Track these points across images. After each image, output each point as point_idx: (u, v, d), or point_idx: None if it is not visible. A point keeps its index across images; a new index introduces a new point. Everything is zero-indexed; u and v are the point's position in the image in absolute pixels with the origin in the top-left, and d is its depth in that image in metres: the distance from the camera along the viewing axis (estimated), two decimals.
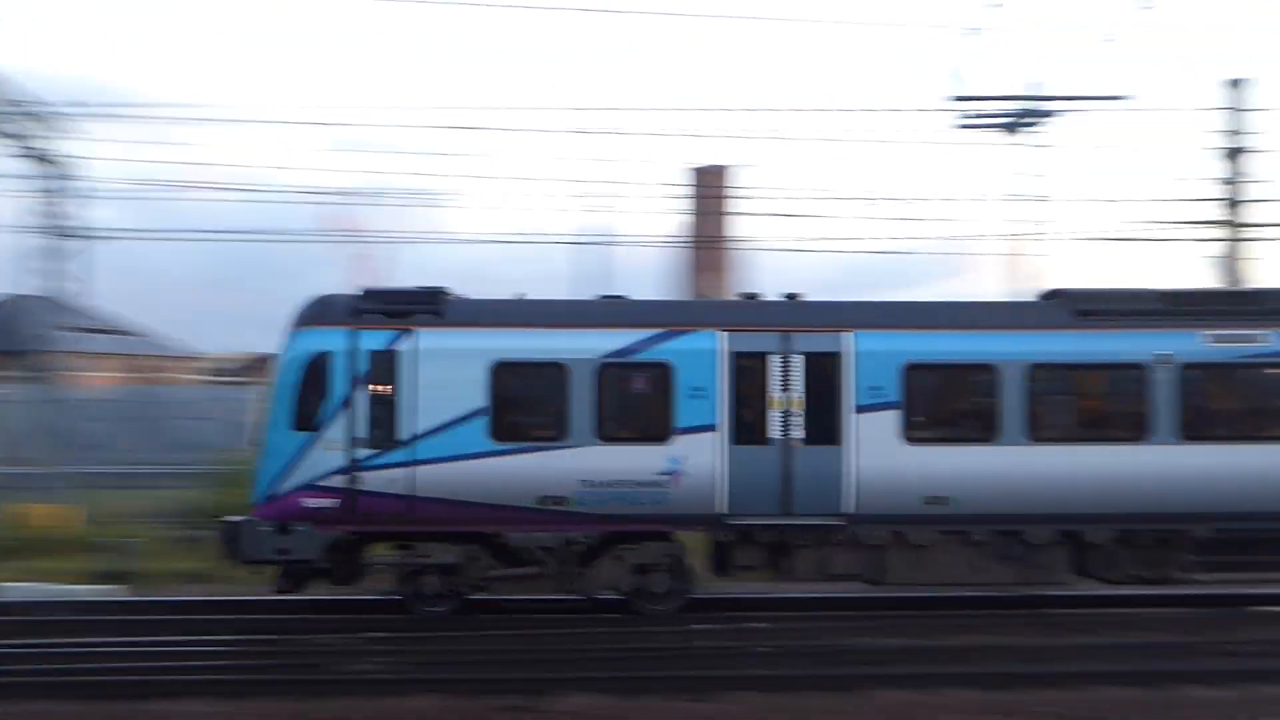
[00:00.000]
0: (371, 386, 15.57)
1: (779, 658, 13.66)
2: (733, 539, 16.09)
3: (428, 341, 15.70)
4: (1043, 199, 24.78)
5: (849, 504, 15.83)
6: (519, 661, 13.45)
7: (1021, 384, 16.02)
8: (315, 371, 15.55)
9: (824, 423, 15.89)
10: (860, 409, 15.87)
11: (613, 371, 15.92)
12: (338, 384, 15.53)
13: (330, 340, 15.62)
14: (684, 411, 15.77)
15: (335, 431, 15.47)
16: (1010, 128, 21.99)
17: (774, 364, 15.94)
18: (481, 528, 15.85)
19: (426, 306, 16.05)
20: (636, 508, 15.66)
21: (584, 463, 15.63)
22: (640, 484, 15.62)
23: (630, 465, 15.66)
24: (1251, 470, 16.06)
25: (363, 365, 15.55)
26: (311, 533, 15.38)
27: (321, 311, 15.98)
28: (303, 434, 15.51)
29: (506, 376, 15.78)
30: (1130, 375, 16.29)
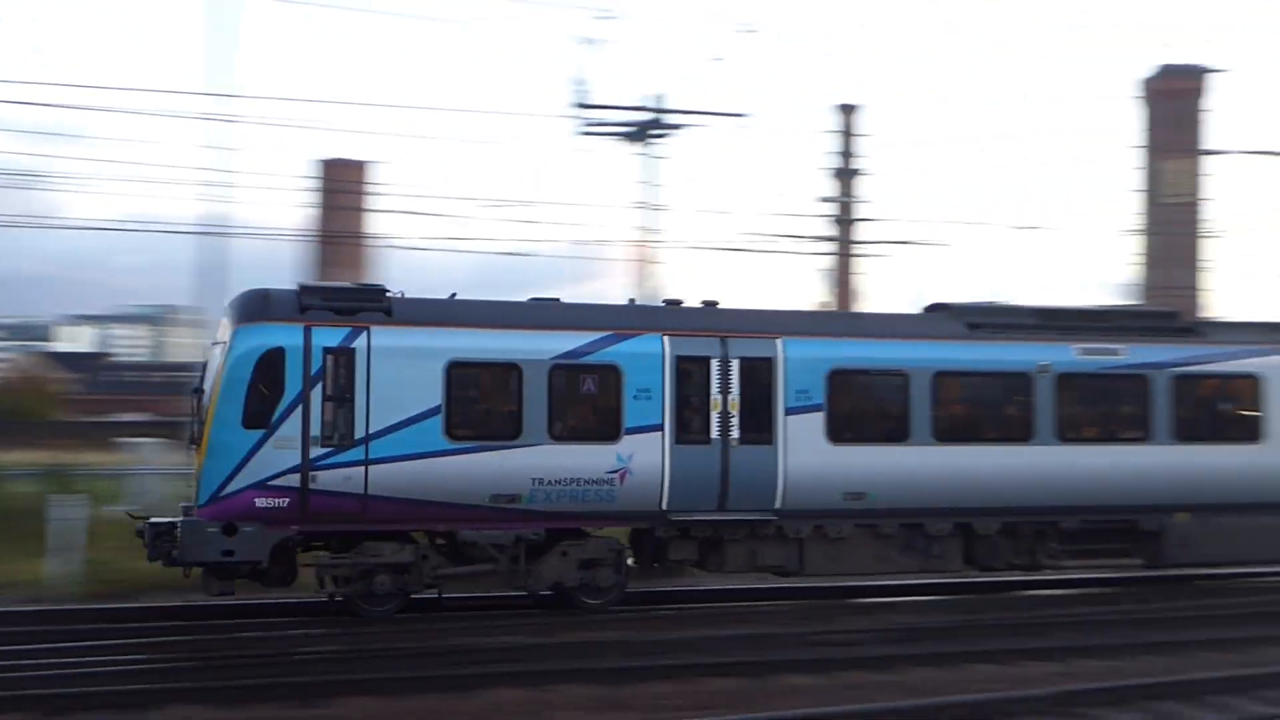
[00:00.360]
0: (324, 384, 15.35)
1: (395, 660, 13.60)
2: (672, 534, 16.82)
3: (381, 339, 15.58)
4: (664, 208, 25.88)
5: (779, 500, 16.90)
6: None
7: (928, 389, 17.56)
8: (267, 368, 15.17)
9: (758, 423, 16.87)
10: (790, 411, 16.96)
11: (563, 372, 16.31)
12: (291, 381, 15.21)
13: (283, 336, 15.29)
14: (631, 412, 16.36)
15: (288, 429, 15.18)
16: (632, 137, 22.62)
17: (714, 367, 16.80)
18: (434, 526, 16.00)
19: (375, 304, 15.97)
20: (585, 505, 16.20)
21: (536, 461, 15.97)
22: (590, 482, 16.13)
23: (580, 464, 16.13)
24: (1113, 468, 18.29)
25: (316, 362, 15.31)
26: (260, 533, 15.02)
27: (268, 306, 15.60)
28: (254, 432, 15.13)
29: (460, 375, 15.93)
30: (1016, 383, 18.14)
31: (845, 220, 61.55)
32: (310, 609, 16.52)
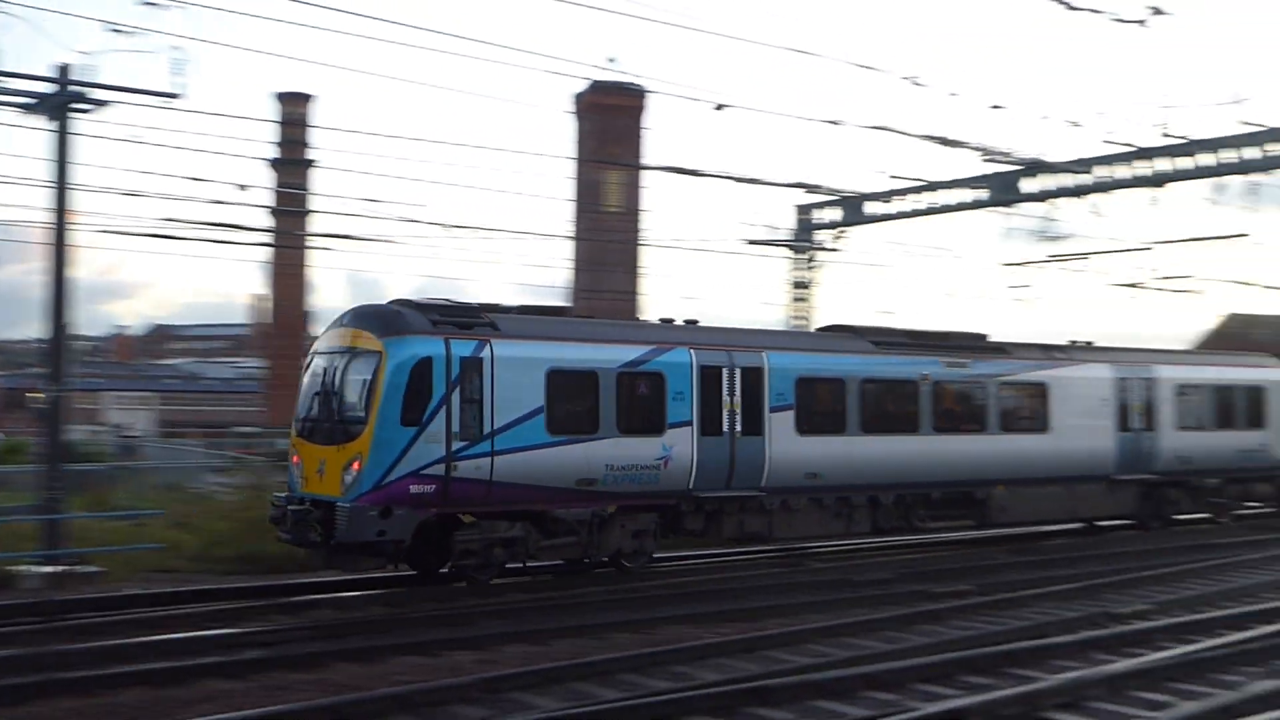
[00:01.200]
0: (461, 388, 18.31)
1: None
2: (690, 509, 20.98)
3: (500, 350, 18.81)
4: (81, 188, 24.00)
5: (764, 479, 21.66)
6: None
7: (857, 392, 23.17)
8: (420, 375, 17.98)
9: (752, 419, 21.52)
10: (772, 409, 21.77)
11: (626, 378, 20.21)
12: (437, 386, 18.10)
13: (430, 348, 18.20)
14: (671, 410, 20.51)
15: (435, 426, 18.00)
16: (37, 110, 20.59)
17: (724, 375, 21.29)
18: (536, 506, 19.20)
19: (486, 321, 19.30)
20: (640, 486, 20.17)
21: (609, 451, 19.73)
22: (644, 467, 20.08)
23: (638, 453, 20.08)
24: (963, 452, 24.69)
25: (455, 370, 18.29)
26: (409, 516, 17.80)
27: (411, 322, 18.52)
28: (410, 429, 17.83)
29: (556, 380, 19.35)
30: (909, 387, 24.08)
31: (287, 211, 60.24)
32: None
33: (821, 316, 34.73)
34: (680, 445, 20.57)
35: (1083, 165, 31.70)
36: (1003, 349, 26.34)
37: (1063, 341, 28.42)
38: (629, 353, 20.42)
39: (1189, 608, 18.26)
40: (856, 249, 38.01)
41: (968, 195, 33.81)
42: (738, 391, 21.46)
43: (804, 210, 37.22)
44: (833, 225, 37.05)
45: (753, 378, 21.68)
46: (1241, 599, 19.26)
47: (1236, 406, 30.16)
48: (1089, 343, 29.00)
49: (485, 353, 18.70)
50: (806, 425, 22.32)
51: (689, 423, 20.74)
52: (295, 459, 19.13)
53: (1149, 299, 36.78)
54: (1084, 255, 34.68)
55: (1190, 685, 13.30)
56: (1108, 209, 32.12)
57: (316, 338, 21.25)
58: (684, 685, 12.77)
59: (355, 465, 17.78)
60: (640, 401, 20.44)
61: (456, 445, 18.19)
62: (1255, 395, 30.54)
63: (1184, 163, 30.94)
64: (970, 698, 12.12)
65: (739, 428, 21.39)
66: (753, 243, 35.63)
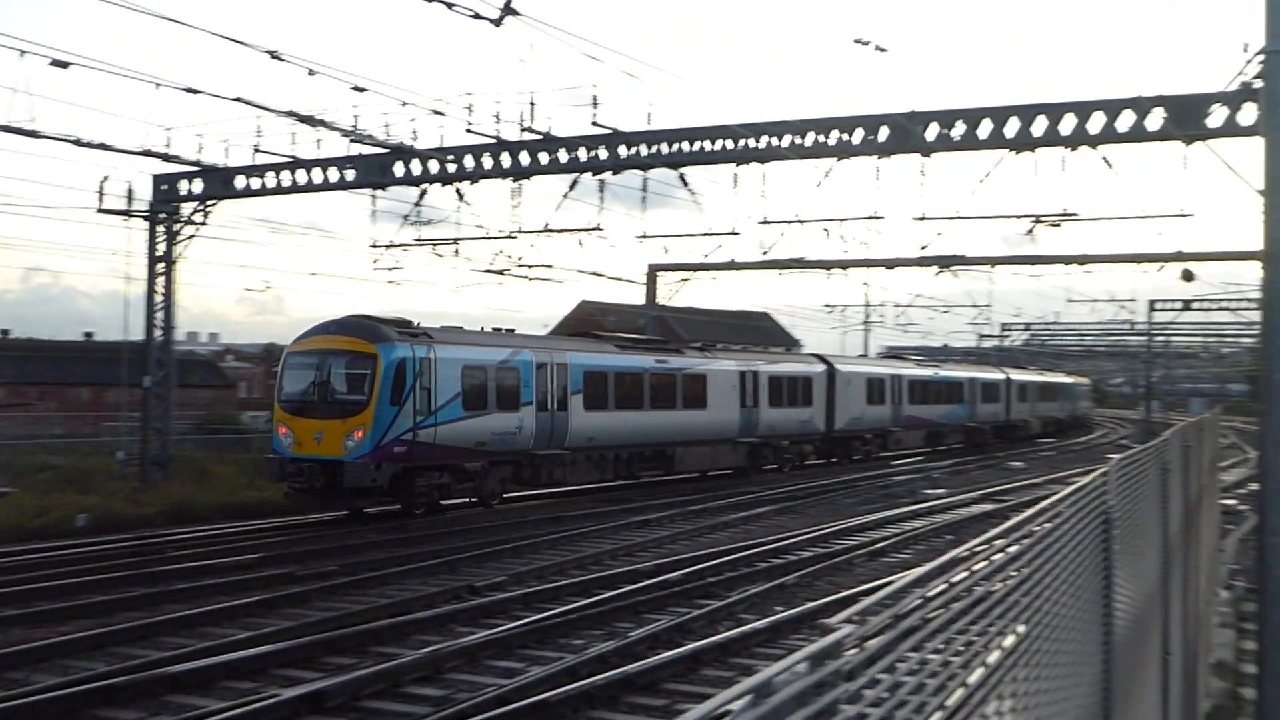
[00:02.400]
0: (420, 379, 26.52)
1: None
2: (528, 463, 30.00)
3: (439, 353, 27.28)
4: None
5: (568, 442, 31.19)
6: None
7: (612, 379, 33.27)
8: (401, 370, 26.10)
9: (562, 400, 31.00)
10: (572, 393, 31.36)
11: (500, 370, 29.22)
12: (409, 377, 26.27)
13: (405, 351, 26.41)
14: (523, 394, 29.62)
15: (408, 406, 26.17)
16: None
17: (549, 370, 30.61)
18: (455, 461, 27.77)
19: (423, 331, 27.67)
20: (507, 447, 29.10)
21: (493, 421, 28.66)
22: (509, 433, 29.13)
23: (506, 424, 29.04)
24: (664, 422, 35.18)
25: (417, 367, 26.52)
26: (390, 468, 25.85)
27: (389, 333, 26.55)
28: (395, 408, 25.92)
29: (469, 373, 28.17)
30: (639, 376, 34.51)
31: None
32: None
33: (188, 292, 33.72)
34: (527, 418, 29.88)
35: (449, 153, 32.93)
36: (679, 350, 38.06)
37: (711, 343, 41.37)
38: (502, 354, 29.55)
39: (541, 578, 19.68)
40: (225, 224, 36.90)
41: (336, 175, 33.91)
42: (554, 381, 30.92)
43: (164, 180, 35.44)
44: (195, 198, 35.62)
45: (562, 372, 31.33)
46: (588, 566, 21.07)
47: (798, 391, 43.38)
48: (716, 343, 41.25)
49: (430, 354, 27.10)
50: (589, 404, 32.14)
51: (531, 403, 30.00)
52: (283, 430, 26.54)
53: (514, 285, 39.15)
54: (453, 241, 36.07)
55: (541, 651, 14.35)
56: (475, 197, 33.63)
57: (291, 343, 28.17)
58: (16, 693, 11.79)
59: (359, 434, 25.62)
60: (507, 387, 29.37)
61: (418, 420, 26.45)
62: (807, 383, 44.25)
63: (544, 157, 33.13)
64: (332, 679, 12.24)
65: (555, 406, 30.84)
66: (103, 211, 33.40)
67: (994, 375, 67.17)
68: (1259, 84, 6.46)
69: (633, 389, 34.02)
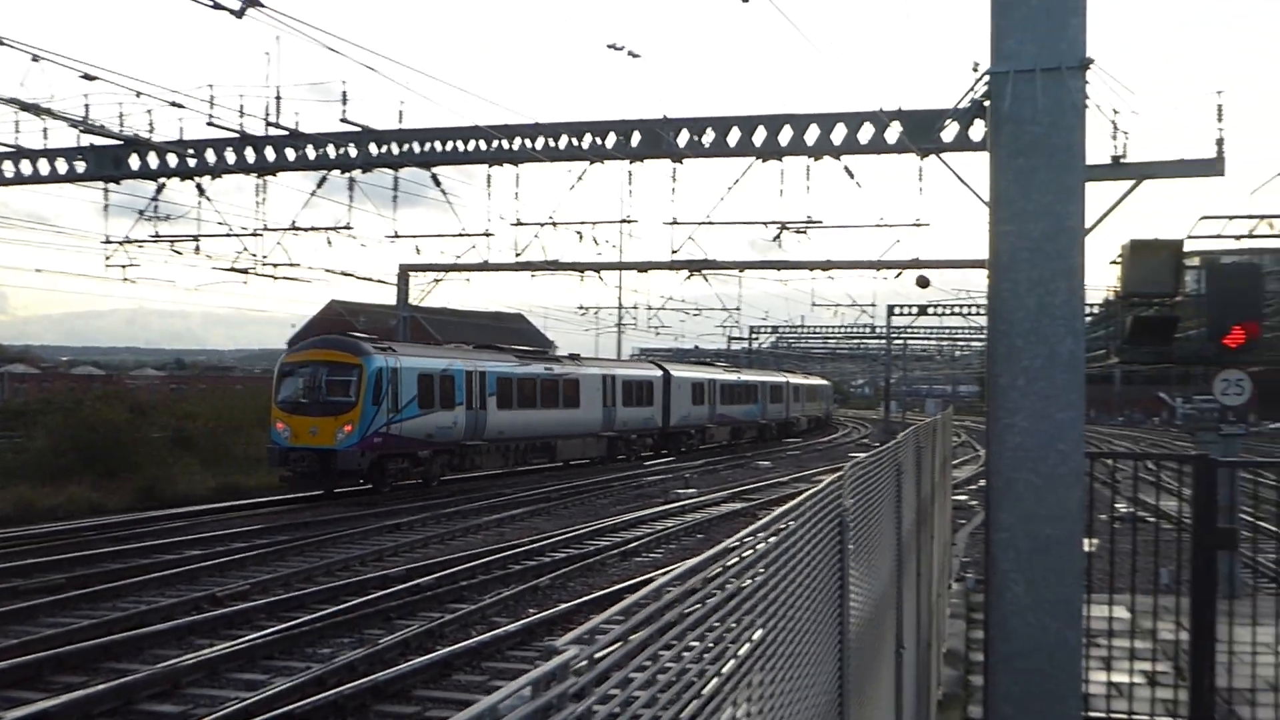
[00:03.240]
0: (390, 383, 32.82)
1: None
2: (459, 451, 37.01)
3: (402, 363, 33.66)
4: None
5: (485, 434, 38.30)
6: None
7: (516, 384, 40.67)
8: (379, 375, 32.41)
9: (482, 401, 37.95)
10: (489, 395, 38.55)
11: (442, 377, 35.91)
12: (385, 382, 32.60)
13: (381, 361, 32.80)
14: (458, 395, 36.53)
15: (384, 406, 32.44)
16: None
17: (474, 376, 37.89)
18: (412, 450, 34.27)
19: (389, 346, 34.47)
20: (447, 438, 35.91)
21: (439, 418, 35.20)
22: (448, 427, 35.84)
23: (446, 419, 35.65)
24: (550, 418, 42.34)
25: (388, 374, 32.83)
26: (370, 455, 32.05)
27: (369, 348, 33.17)
28: (375, 407, 32.03)
29: (420, 380, 34.49)
30: (535, 381, 42.28)
31: None
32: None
33: None
34: (460, 416, 36.51)
35: (189, 146, 31.66)
36: (559, 360, 46.04)
37: (580, 354, 49.67)
38: (442, 363, 36.36)
39: (288, 585, 19.10)
40: None
41: (65, 167, 32.13)
42: (477, 386, 37.67)
43: None
44: None
45: (482, 378, 38.12)
46: (337, 573, 20.58)
47: (644, 393, 51.57)
48: (575, 354, 49.08)
49: (398, 364, 33.45)
50: (500, 404, 38.96)
51: (463, 403, 36.68)
52: (280, 425, 32.08)
53: (259, 284, 38.02)
54: (193, 238, 34.69)
55: (287, 661, 13.93)
56: (217, 192, 32.48)
57: (284, 356, 34.82)
58: None
59: (348, 428, 31.57)
60: (447, 391, 35.88)
61: (389, 417, 32.62)
62: (649, 386, 52.57)
63: (291, 153, 32.20)
64: (60, 698, 11.58)
65: (478, 405, 37.60)
66: None
67: (779, 379, 77.20)
68: (987, 103, 6.82)
69: (529, 392, 41.45)
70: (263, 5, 17.81)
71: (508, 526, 27.62)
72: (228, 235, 34.32)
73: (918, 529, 8.33)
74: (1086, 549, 7.05)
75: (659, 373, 54.53)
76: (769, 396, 72.49)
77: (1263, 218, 43.82)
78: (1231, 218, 43.21)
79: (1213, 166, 24.51)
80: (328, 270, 39.38)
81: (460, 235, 36.77)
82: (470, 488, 36.23)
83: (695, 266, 39.20)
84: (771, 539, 2.86)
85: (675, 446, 55.78)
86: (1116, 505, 26.25)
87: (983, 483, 7.49)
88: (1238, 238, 44.31)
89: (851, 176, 29.67)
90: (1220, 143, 24.54)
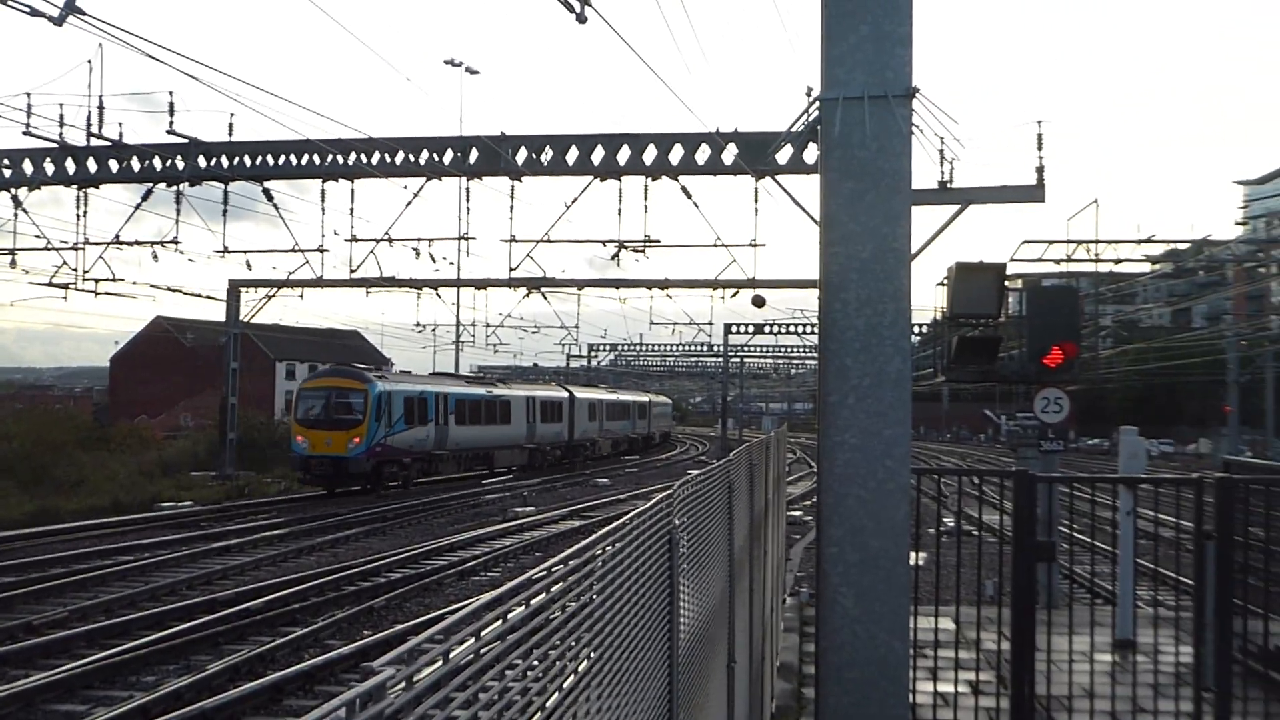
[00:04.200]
0: (388, 405, 41.09)
1: None
2: (429, 458, 45.56)
3: (393, 388, 42.01)
4: None
5: (449, 445, 47.31)
6: None
7: (469, 404, 49.79)
8: (380, 400, 40.60)
9: (446, 418, 46.70)
10: (450, 413, 47.30)
11: (416, 399, 43.96)
12: (385, 403, 40.92)
13: (382, 387, 41.14)
14: (430, 413, 45.17)
15: (383, 422, 40.56)
16: None
17: (439, 398, 46.31)
18: (400, 457, 42.44)
19: (384, 375, 43.71)
20: (423, 448, 44.49)
21: (417, 432, 43.57)
22: (422, 440, 44.19)
23: (420, 434, 43.95)
24: (501, 433, 53.52)
25: (386, 397, 41.04)
26: (371, 461, 40.31)
27: (372, 377, 41.71)
28: (376, 424, 40.21)
29: (407, 402, 42.74)
30: (484, 401, 51.82)
31: None
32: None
33: None
34: (431, 430, 44.60)
35: (3, 157, 30.43)
36: (494, 384, 55.72)
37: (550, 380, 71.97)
38: (418, 389, 44.45)
39: (110, 612, 18.41)
40: None
41: None
42: (443, 406, 45.89)
43: None
44: None
45: (445, 399, 46.28)
46: (163, 598, 19.91)
47: (555, 411, 61.31)
48: (508, 379, 62.55)
49: (391, 389, 41.79)
50: (460, 420, 47.65)
51: (434, 420, 44.88)
52: (300, 438, 40.17)
53: (80, 300, 36.69)
54: (9, 251, 33.30)
55: (109, 691, 13.41)
56: (34, 205, 31.14)
57: (303, 383, 44.08)
58: None
59: (356, 440, 39.81)
60: (423, 410, 44.12)
61: (386, 431, 40.89)
62: (559, 405, 62.00)
63: (114, 165, 31.17)
64: None
65: (444, 422, 45.81)
66: None
67: (644, 398, 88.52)
68: (819, 127, 6.99)
69: (476, 411, 50.10)
70: (83, 13, 17.21)
71: (341, 547, 27.13)
72: (46, 249, 33.03)
73: (750, 545, 8.45)
74: (913, 562, 7.25)
75: (566, 394, 64.35)
76: (638, 413, 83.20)
77: (1079, 243, 45.90)
78: (1051, 242, 45.19)
79: (1033, 193, 25.52)
80: (154, 286, 38.29)
81: (293, 251, 36.06)
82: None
83: (534, 284, 39.20)
84: (599, 560, 2.87)
85: (578, 456, 65.47)
86: (943, 519, 27.08)
87: (815, 499, 7.67)
88: (1057, 261, 46.34)
89: (689, 197, 30.06)
90: (1040, 170, 25.57)
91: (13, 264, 33.29)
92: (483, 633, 1.89)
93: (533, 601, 2.16)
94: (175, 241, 33.79)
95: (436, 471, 46.83)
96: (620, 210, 31.71)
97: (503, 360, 79.38)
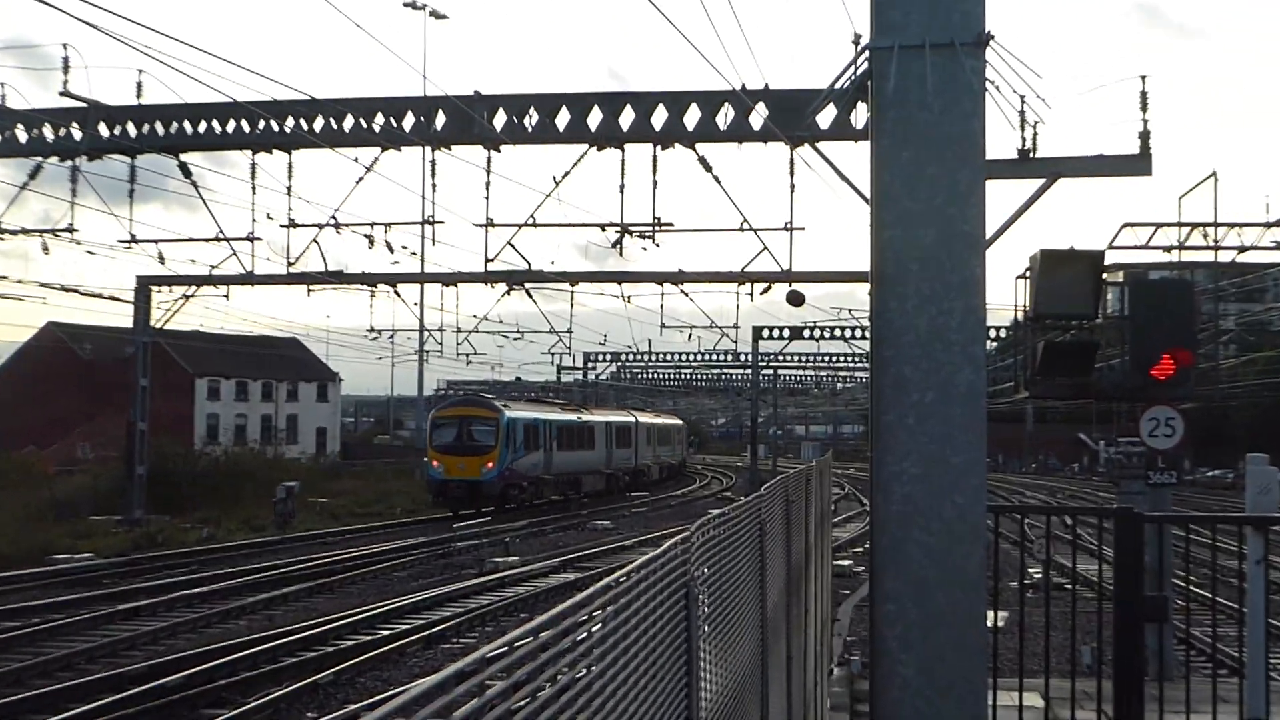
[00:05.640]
0: (516, 432, 59.59)
1: None
2: (543, 482, 65.21)
3: (519, 417, 61.01)
4: None
5: (552, 470, 65.39)
6: None
7: (568, 430, 69.07)
8: (509, 427, 58.67)
9: (550, 445, 65.23)
10: (553, 438, 65.49)
11: (534, 426, 62.62)
12: (511, 431, 58.89)
13: (510, 415, 60.03)
14: (541, 441, 63.76)
15: (510, 448, 58.48)
16: None
17: (546, 424, 65.05)
18: (520, 481, 60.45)
19: (508, 404, 63.40)
20: (537, 473, 62.98)
21: (534, 458, 61.96)
22: (536, 464, 62.82)
23: (538, 459, 62.97)
24: (584, 458, 71.62)
25: (513, 425, 59.44)
26: (501, 484, 57.54)
27: (501, 406, 60.93)
28: (506, 449, 57.96)
29: (527, 429, 61.40)
30: (580, 428, 71.49)
31: None
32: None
33: None
34: (540, 456, 61.90)
35: None
36: (579, 409, 72.77)
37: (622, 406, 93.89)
38: (533, 416, 62.61)
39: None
40: None
41: None
42: (549, 432, 63.44)
43: None
44: None
45: (550, 427, 63.66)
46: (56, 674, 19.95)
47: (624, 437, 78.46)
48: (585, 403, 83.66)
49: (517, 418, 59.67)
50: (560, 446, 64.55)
51: (543, 447, 62.43)
52: (436, 463, 56.50)
53: None
54: None
55: None
56: None
57: (435, 412, 63.11)
58: None
59: (489, 464, 56.17)
60: (534, 436, 61.07)
61: (513, 456, 57.88)
62: (629, 430, 79.61)
63: None
64: None
65: (549, 448, 62.95)
66: None
67: (674, 420, 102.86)
68: (869, 82, 6.98)
69: (569, 438, 65.72)
70: None
71: (279, 608, 27.17)
72: None
73: (788, 602, 8.45)
74: (990, 622, 7.24)
75: (633, 419, 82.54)
76: (678, 438, 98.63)
77: (1195, 226, 45.91)
78: (1159, 225, 45.24)
79: (1136, 164, 25.45)
80: (43, 285, 38.37)
81: (217, 240, 36.18)
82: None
83: (516, 279, 39.28)
84: (597, 621, 2.87)
85: (638, 481, 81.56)
86: (1028, 569, 27.06)
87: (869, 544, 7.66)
88: (1167, 249, 46.36)
89: (708, 169, 30.20)
90: (1145, 137, 25.47)
91: None
92: (453, 715, 1.89)
93: (515, 673, 2.15)
94: (70, 229, 33.93)
95: (542, 496, 62.91)
96: (623, 187, 31.78)
97: (476, 373, 79.23)
